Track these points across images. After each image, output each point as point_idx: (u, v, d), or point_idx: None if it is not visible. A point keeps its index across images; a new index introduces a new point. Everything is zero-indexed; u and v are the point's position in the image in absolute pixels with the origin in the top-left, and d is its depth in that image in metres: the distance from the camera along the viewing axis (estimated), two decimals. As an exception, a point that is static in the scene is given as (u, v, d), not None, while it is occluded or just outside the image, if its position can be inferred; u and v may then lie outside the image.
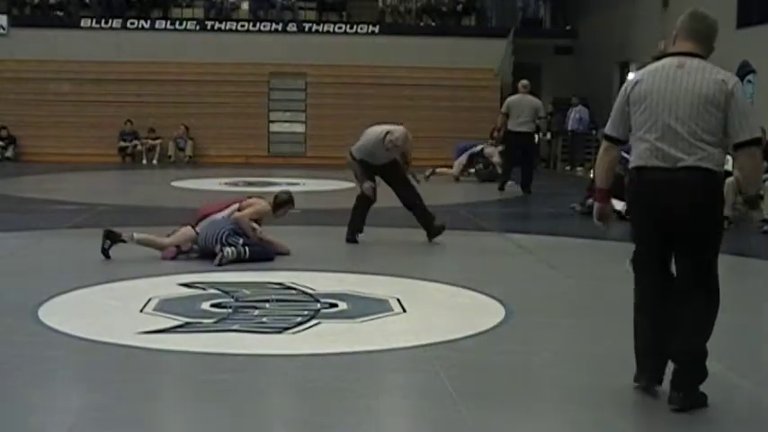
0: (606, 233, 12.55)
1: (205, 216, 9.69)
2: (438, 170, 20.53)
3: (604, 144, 5.35)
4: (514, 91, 26.59)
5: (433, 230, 10.98)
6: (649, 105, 5.09)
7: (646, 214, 5.16)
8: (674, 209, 5.01)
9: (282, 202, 9.94)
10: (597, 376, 5.71)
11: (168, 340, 6.40)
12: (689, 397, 5.02)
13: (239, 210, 9.69)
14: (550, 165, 24.43)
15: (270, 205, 9.87)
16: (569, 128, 24.47)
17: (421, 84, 25.96)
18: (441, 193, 17.93)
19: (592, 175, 15.49)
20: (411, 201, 11.12)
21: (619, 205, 13.82)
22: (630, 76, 5.32)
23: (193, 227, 9.58)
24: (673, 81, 5.07)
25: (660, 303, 5.19)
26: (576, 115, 24.43)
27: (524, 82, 18.27)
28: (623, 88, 5.28)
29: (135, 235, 9.42)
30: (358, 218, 10.90)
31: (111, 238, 9.37)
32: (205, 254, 9.42)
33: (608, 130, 5.32)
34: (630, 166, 5.20)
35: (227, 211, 9.71)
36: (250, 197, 10.01)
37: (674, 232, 5.07)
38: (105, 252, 9.33)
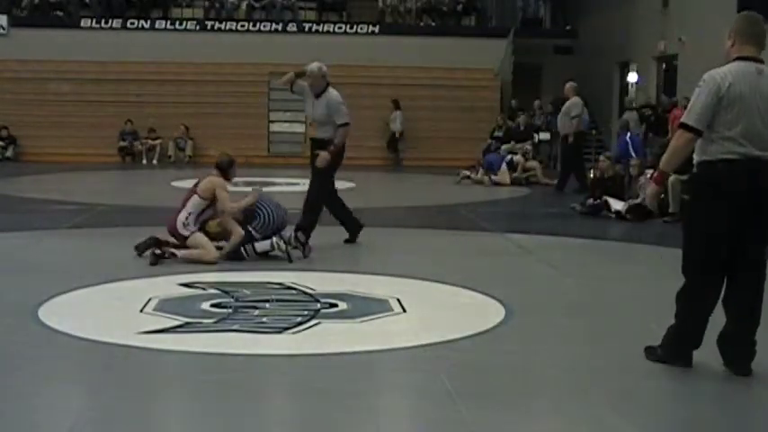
0: (607, 233, 12.62)
1: (174, 226, 9.53)
2: (472, 176, 19.98)
3: (688, 135, 5.53)
4: (514, 91, 26.79)
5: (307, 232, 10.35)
6: (741, 108, 5.43)
7: (729, 203, 5.46)
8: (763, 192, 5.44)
9: (228, 165, 9.83)
10: (597, 376, 5.70)
11: (168, 340, 6.40)
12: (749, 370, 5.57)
13: (200, 197, 9.52)
14: (550, 165, 24.38)
15: (220, 176, 9.69)
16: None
17: (421, 84, 25.97)
18: (441, 194, 17.95)
19: (593, 175, 15.50)
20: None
21: (618, 205, 13.90)
22: (715, 75, 5.54)
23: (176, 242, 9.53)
24: (756, 87, 5.48)
25: (717, 296, 5.62)
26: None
27: (574, 84, 18.67)
28: (716, 87, 5.47)
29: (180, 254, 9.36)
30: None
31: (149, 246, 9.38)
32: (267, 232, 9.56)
33: (695, 122, 5.50)
34: (709, 159, 5.51)
35: (189, 207, 9.52)
36: (197, 184, 9.73)
37: (753, 219, 5.47)
38: (155, 256, 9.29)
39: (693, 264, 5.63)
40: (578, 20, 28.56)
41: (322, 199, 10.43)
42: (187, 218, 9.43)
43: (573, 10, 28.70)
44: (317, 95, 10.35)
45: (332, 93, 10.37)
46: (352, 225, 10.74)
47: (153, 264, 9.12)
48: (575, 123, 18.10)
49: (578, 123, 18.21)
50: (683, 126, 5.54)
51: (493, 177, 19.69)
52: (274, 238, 9.53)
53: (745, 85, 5.45)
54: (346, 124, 10.37)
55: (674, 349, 5.71)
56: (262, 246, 9.53)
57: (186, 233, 9.38)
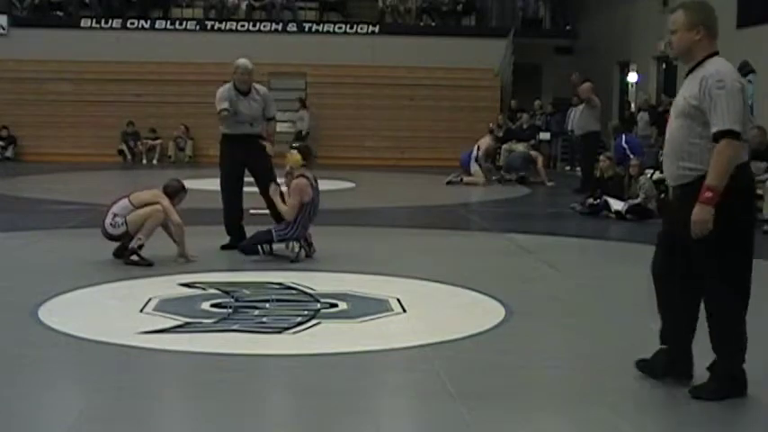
0: (607, 233, 12.62)
1: (106, 231, 9.37)
2: (465, 179, 19.71)
3: (737, 142, 4.97)
4: (514, 91, 26.80)
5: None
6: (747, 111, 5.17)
7: (750, 208, 5.27)
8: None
9: (174, 191, 9.76)
10: (597, 376, 5.71)
11: (168, 340, 6.41)
12: None
13: (130, 202, 9.35)
14: (550, 165, 24.40)
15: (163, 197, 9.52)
16: (569, 128, 24.45)
17: (421, 84, 25.99)
18: (441, 193, 17.95)
19: (598, 175, 15.51)
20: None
21: (618, 205, 13.90)
22: (737, 76, 5.13)
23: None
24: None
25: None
26: (576, 115, 24.41)
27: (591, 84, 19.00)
28: (740, 87, 5.08)
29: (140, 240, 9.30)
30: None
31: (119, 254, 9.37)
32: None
33: (740, 127, 4.99)
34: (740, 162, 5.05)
35: (115, 209, 9.35)
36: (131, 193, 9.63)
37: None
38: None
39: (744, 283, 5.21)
40: (578, 20, 28.56)
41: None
42: (114, 218, 9.33)
43: (573, 10, 28.69)
44: (246, 93, 10.41)
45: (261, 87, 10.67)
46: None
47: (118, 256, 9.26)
48: (596, 122, 18.41)
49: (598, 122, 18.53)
50: (734, 134, 4.94)
51: (465, 179, 19.62)
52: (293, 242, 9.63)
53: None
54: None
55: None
56: (278, 246, 9.57)
57: (118, 232, 9.31)
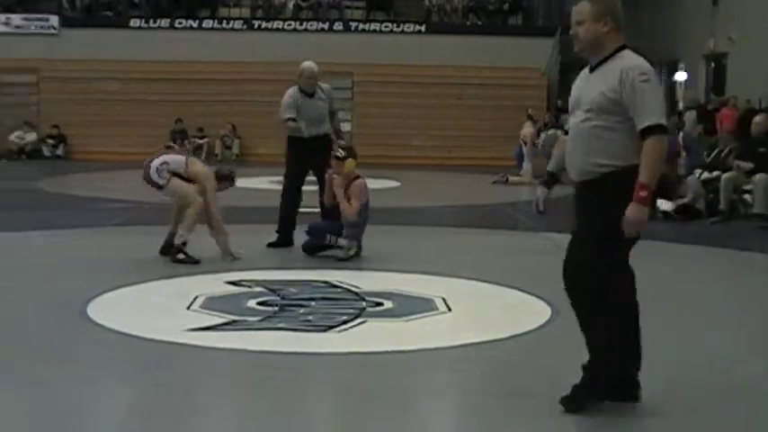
0: (654, 233, 12.51)
1: (147, 173, 9.45)
2: (511, 179, 19.55)
3: (664, 137, 4.83)
4: (561, 90, 26.64)
5: None
6: None
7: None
8: None
9: (223, 177, 9.83)
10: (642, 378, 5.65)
11: (215, 338, 6.45)
12: None
13: (185, 162, 9.51)
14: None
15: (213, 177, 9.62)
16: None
17: (467, 83, 25.94)
18: (487, 193, 17.90)
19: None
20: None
21: (666, 205, 13.78)
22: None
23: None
24: None
25: None
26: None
27: None
28: (658, 80, 4.97)
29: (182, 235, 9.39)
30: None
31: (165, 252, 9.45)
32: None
33: (664, 120, 4.86)
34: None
35: (167, 159, 9.54)
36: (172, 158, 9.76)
37: None
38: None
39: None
40: (626, 18, 28.32)
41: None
42: (162, 165, 9.42)
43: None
44: (312, 95, 10.39)
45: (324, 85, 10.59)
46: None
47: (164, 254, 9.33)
48: None
49: None
50: (662, 128, 4.80)
51: (511, 179, 19.41)
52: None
53: None
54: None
55: None
56: (341, 242, 9.62)
57: (158, 182, 9.39)
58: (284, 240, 10.18)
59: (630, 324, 5.11)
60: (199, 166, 9.61)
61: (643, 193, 4.76)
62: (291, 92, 10.38)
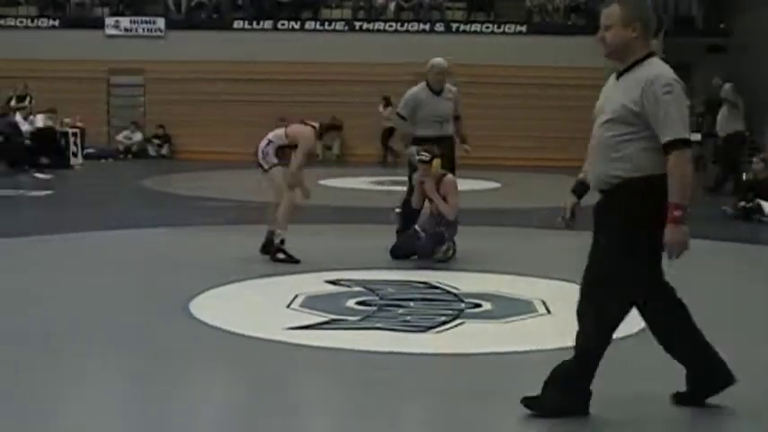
0: (758, 237, 12.25)
1: (257, 152, 9.65)
2: None
3: (689, 151, 4.70)
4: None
5: None
6: None
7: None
8: None
9: (326, 128, 9.86)
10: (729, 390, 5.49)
11: (315, 336, 6.51)
12: None
13: (285, 134, 9.68)
14: (699, 166, 23.80)
15: (314, 131, 9.72)
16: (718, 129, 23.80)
17: (567, 84, 25.69)
18: (588, 194, 17.70)
19: (745, 177, 15.04)
20: None
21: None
22: (676, 77, 4.78)
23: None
24: None
25: None
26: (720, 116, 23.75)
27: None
28: (684, 91, 4.78)
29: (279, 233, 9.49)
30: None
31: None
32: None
33: (688, 134, 4.69)
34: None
35: (271, 135, 9.74)
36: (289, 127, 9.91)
37: None
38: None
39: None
40: (732, 17, 27.78)
41: None
42: (267, 146, 9.57)
43: (727, 8, 27.93)
44: (439, 92, 10.25)
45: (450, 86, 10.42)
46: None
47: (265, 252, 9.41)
48: (739, 122, 18.01)
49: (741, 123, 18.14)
50: (687, 143, 4.64)
51: None
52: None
53: None
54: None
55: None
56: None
57: (263, 164, 9.53)
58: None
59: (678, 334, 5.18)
60: (298, 128, 9.70)
61: (677, 213, 4.61)
62: (417, 88, 10.31)
